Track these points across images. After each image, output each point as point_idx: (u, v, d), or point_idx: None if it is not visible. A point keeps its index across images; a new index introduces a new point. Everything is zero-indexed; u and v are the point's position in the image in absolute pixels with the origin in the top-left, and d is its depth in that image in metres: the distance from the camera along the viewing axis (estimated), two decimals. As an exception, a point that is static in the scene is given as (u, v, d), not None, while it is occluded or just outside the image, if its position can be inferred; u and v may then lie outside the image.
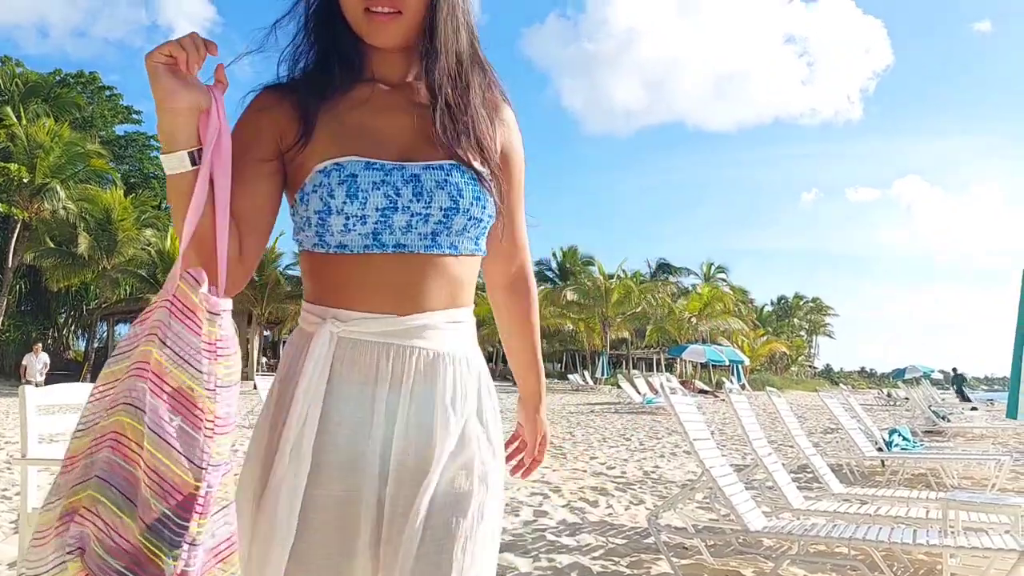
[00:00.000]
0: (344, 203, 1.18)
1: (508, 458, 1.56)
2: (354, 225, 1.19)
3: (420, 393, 1.20)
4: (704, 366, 43.19)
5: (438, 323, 1.24)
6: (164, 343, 1.03)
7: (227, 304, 1.06)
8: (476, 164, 1.26)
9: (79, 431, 1.07)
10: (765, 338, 56.58)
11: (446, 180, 1.23)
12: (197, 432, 0.99)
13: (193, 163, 1.10)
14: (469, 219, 1.24)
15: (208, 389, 1.01)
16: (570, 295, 42.69)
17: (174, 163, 1.10)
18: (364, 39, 1.25)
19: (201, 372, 1.02)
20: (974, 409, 21.03)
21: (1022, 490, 7.63)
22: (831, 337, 78.36)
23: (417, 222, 1.21)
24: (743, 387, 35.96)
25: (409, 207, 1.20)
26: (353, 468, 1.18)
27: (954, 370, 31.04)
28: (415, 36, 1.26)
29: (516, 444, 1.61)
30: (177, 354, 1.03)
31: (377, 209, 1.19)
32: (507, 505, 6.04)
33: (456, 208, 1.23)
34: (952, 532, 3.95)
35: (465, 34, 1.30)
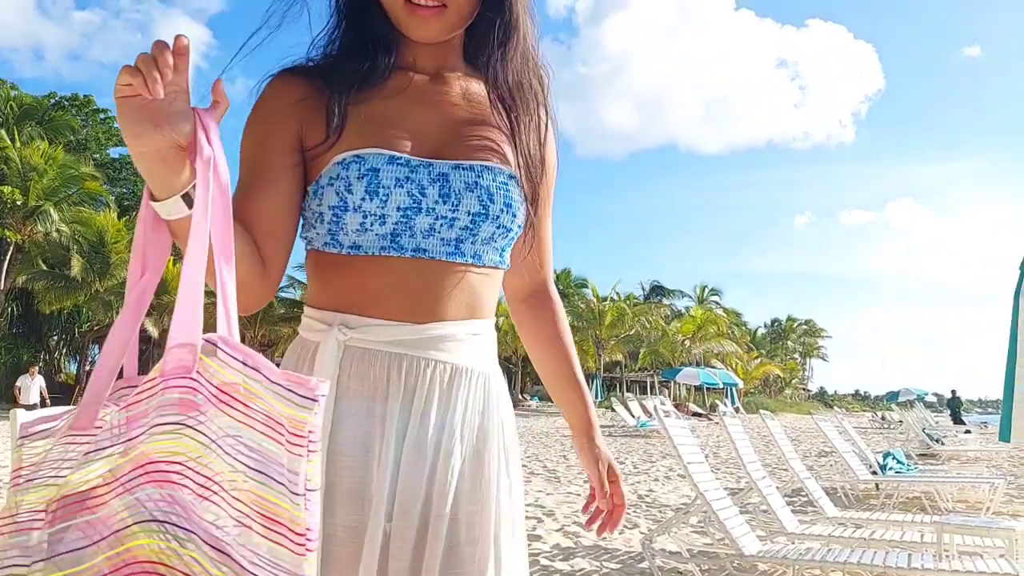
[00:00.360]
0: (363, 200, 1.06)
1: (589, 522, 1.37)
2: (372, 224, 1.07)
3: (436, 412, 1.07)
4: (698, 389, 43.20)
5: (458, 334, 1.11)
6: (213, 443, 0.80)
7: (325, 387, 0.80)
8: (510, 168, 1.15)
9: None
10: (759, 361, 56.62)
11: (476, 182, 1.11)
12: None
13: (189, 206, 0.91)
14: (498, 227, 1.13)
15: (295, 494, 0.77)
16: (564, 318, 42.68)
17: (164, 211, 0.92)
18: (403, 32, 1.14)
19: (284, 480, 0.77)
20: (968, 432, 21.02)
21: (1016, 513, 7.62)
22: (825, 360, 78.42)
23: (441, 226, 1.09)
24: (737, 410, 35.92)
25: (434, 209, 1.08)
26: (363, 495, 1.04)
27: (953, 392, 31.03)
28: (459, 29, 1.16)
29: (591, 503, 1.37)
30: (242, 462, 0.78)
31: (399, 209, 1.07)
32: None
33: (485, 214, 1.11)
34: (947, 556, 3.95)
35: (530, 26, 1.21)
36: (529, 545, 5.42)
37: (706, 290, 57.33)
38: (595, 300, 43.63)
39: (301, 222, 1.15)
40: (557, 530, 6.03)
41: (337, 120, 1.10)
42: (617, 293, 45.79)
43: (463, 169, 1.11)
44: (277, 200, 1.09)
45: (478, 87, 1.21)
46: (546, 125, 1.24)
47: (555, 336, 1.37)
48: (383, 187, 1.06)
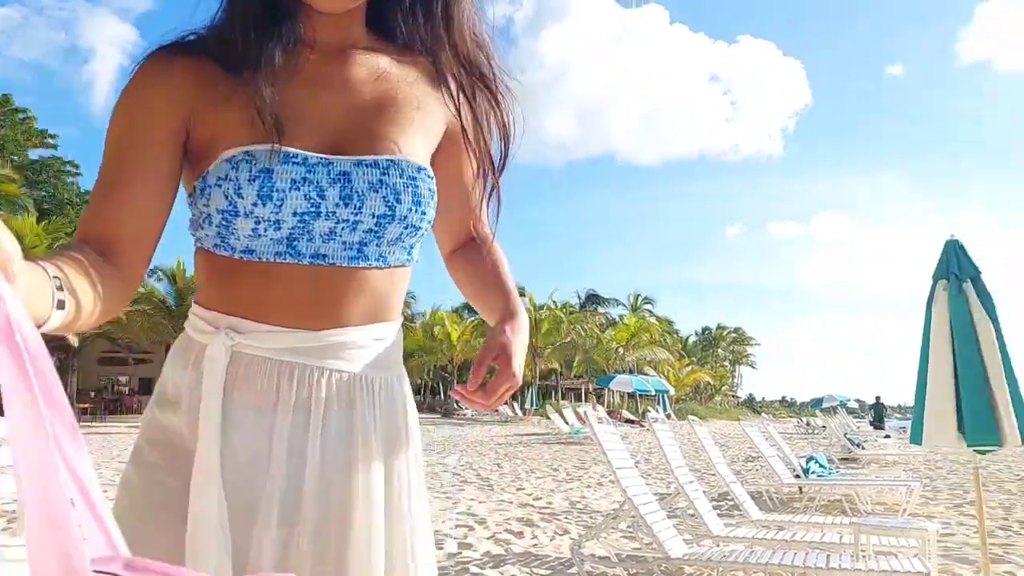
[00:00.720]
0: (255, 205, 0.94)
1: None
2: (265, 230, 0.96)
3: (334, 424, 0.98)
4: (631, 396, 43.74)
5: (360, 340, 1.01)
6: None
7: None
8: (418, 159, 1.05)
9: None
10: (690, 368, 57.67)
11: (381, 181, 0.99)
12: None
13: None
14: (406, 227, 1.02)
15: None
16: (499, 326, 42.80)
17: None
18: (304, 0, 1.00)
19: None
20: (887, 436, 21.84)
21: (931, 515, 7.93)
22: (753, 367, 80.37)
23: (343, 230, 0.98)
24: (668, 416, 36.48)
25: (335, 213, 0.97)
26: (250, 513, 0.94)
27: (877, 399, 32.13)
28: None
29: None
30: None
31: (295, 214, 0.95)
32: (431, 538, 5.97)
33: (392, 215, 1.00)
34: (864, 556, 4.08)
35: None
36: (459, 554, 5.40)
37: (640, 299, 58.17)
38: (532, 309, 43.84)
39: (190, 217, 1.04)
40: (488, 538, 6.03)
41: (228, 108, 0.98)
42: (554, 301, 46.17)
43: (366, 166, 0.99)
44: (147, 202, 0.96)
45: (387, 62, 1.09)
46: (496, 100, 1.14)
47: (496, 270, 1.20)
48: (277, 191, 0.95)
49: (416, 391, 51.32)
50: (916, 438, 4.79)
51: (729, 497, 6.74)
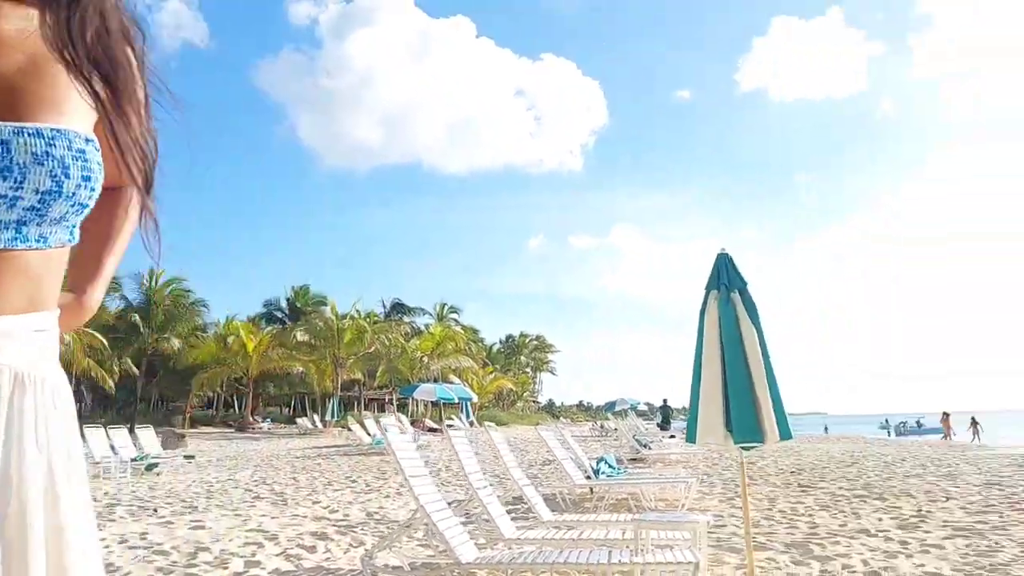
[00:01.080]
0: None
1: None
2: None
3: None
4: (435, 404, 43.86)
5: (16, 331, 0.90)
6: None
7: None
8: (86, 129, 0.93)
9: None
10: (493, 375, 58.79)
11: (48, 153, 0.87)
12: None
13: None
14: (72, 205, 0.91)
15: None
16: (300, 336, 41.48)
17: None
18: None
19: None
20: (672, 437, 23.39)
21: (706, 508, 8.56)
22: (554, 374, 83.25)
23: None
24: (472, 423, 36.96)
25: None
26: None
27: (664, 401, 34.32)
28: None
29: None
30: None
31: None
32: (215, 557, 5.64)
33: (59, 192, 0.88)
34: (643, 550, 4.31)
35: None
36: (246, 572, 5.14)
37: (445, 307, 58.61)
38: (334, 318, 42.84)
39: None
40: (278, 554, 5.78)
41: None
42: (357, 310, 45.36)
43: (29, 135, 0.86)
44: None
45: (35, 19, 0.96)
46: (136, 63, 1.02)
47: (111, 225, 1.11)
48: None
49: (208, 404, 48.69)
50: (691, 437, 5.15)
51: (524, 500, 6.92)
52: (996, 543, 6.50)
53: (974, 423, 33.91)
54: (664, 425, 30.83)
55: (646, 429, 25.10)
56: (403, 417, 34.40)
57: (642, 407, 45.24)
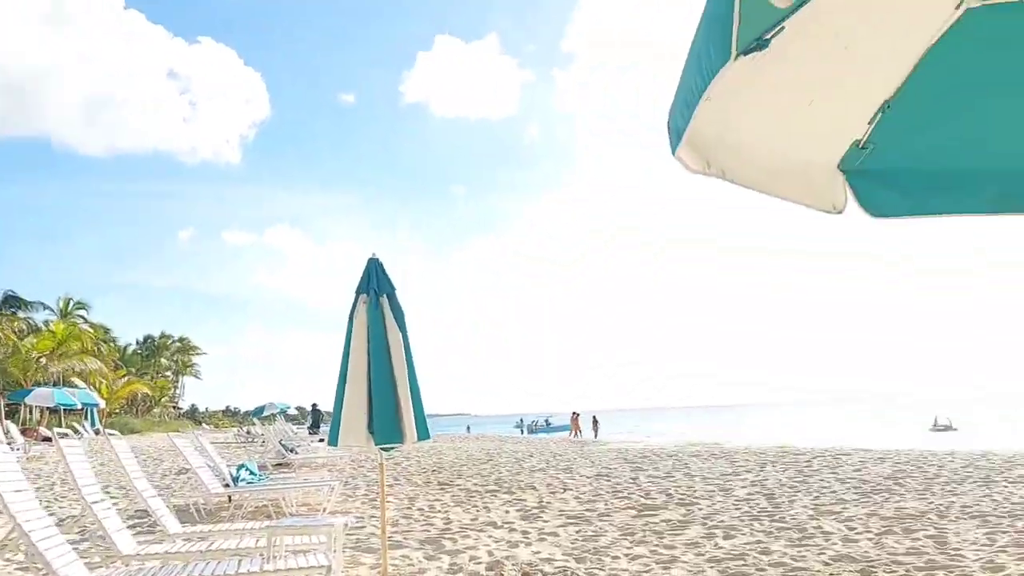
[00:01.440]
0: None
1: None
2: None
3: None
4: (53, 411, 38.89)
5: None
6: None
7: None
8: None
9: None
10: (126, 379, 53.78)
11: None
12: None
13: None
14: None
15: None
16: None
17: None
18: None
19: None
20: (321, 440, 23.18)
21: (349, 510, 8.62)
22: (198, 377, 78.11)
23: None
24: (98, 432, 33.37)
25: None
26: None
27: (314, 405, 33.83)
28: None
29: None
30: None
31: None
32: None
33: None
34: (275, 557, 4.21)
35: None
36: None
37: (72, 303, 52.13)
38: (-77, 308, 36.00)
39: None
40: None
41: None
42: (-45, 301, 38.55)
43: None
44: None
45: None
46: None
47: None
48: None
49: None
50: (333, 440, 5.15)
51: (151, 513, 6.39)
52: (600, 528, 7.40)
53: (595, 422, 38.70)
54: (314, 429, 30.47)
55: (295, 433, 24.60)
56: (12, 425, 29.92)
57: (292, 411, 44.25)
